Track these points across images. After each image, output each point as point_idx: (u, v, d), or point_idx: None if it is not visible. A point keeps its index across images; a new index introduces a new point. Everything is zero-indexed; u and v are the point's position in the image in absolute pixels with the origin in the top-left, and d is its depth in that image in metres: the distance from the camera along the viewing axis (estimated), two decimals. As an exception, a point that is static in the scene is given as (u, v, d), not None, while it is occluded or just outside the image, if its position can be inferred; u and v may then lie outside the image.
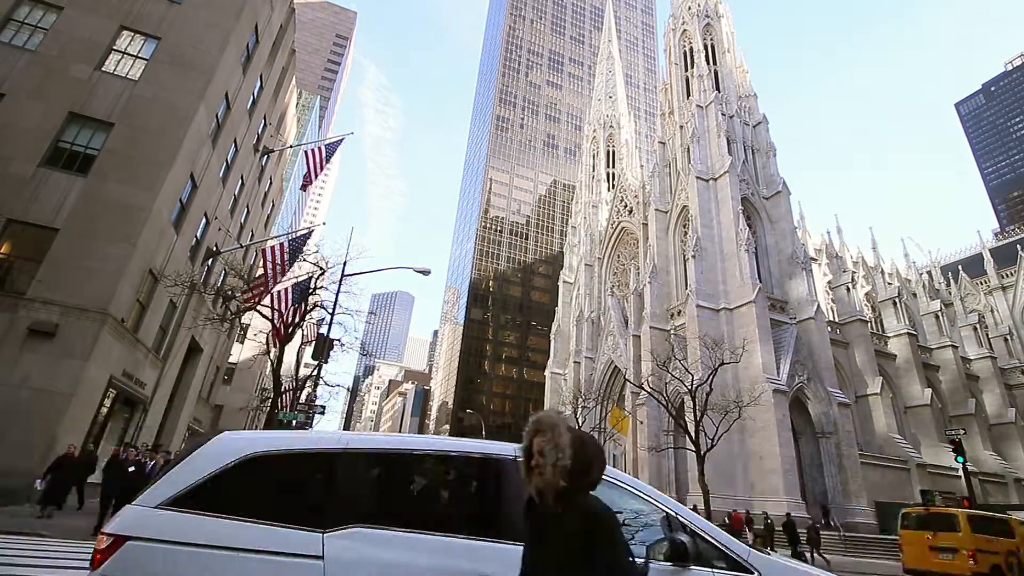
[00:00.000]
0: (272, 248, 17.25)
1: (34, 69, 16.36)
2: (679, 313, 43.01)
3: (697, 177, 43.30)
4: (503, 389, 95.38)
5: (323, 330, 22.30)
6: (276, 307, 17.03)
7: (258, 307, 18.29)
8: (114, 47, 17.65)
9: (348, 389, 36.97)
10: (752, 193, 44.25)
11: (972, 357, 52.05)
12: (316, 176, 19.56)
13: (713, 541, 3.25)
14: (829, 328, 41.15)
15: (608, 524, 1.96)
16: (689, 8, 55.13)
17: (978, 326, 55.53)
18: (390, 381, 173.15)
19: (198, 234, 21.47)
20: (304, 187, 20.14)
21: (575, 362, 57.83)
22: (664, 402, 30.78)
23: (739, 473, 33.91)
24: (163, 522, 2.81)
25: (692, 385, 27.51)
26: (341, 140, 21.66)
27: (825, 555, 21.67)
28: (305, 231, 19.11)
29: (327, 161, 19.79)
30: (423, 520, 3.02)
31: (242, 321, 31.62)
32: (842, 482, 34.48)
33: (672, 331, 42.79)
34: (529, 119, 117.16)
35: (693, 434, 26.46)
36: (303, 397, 30.02)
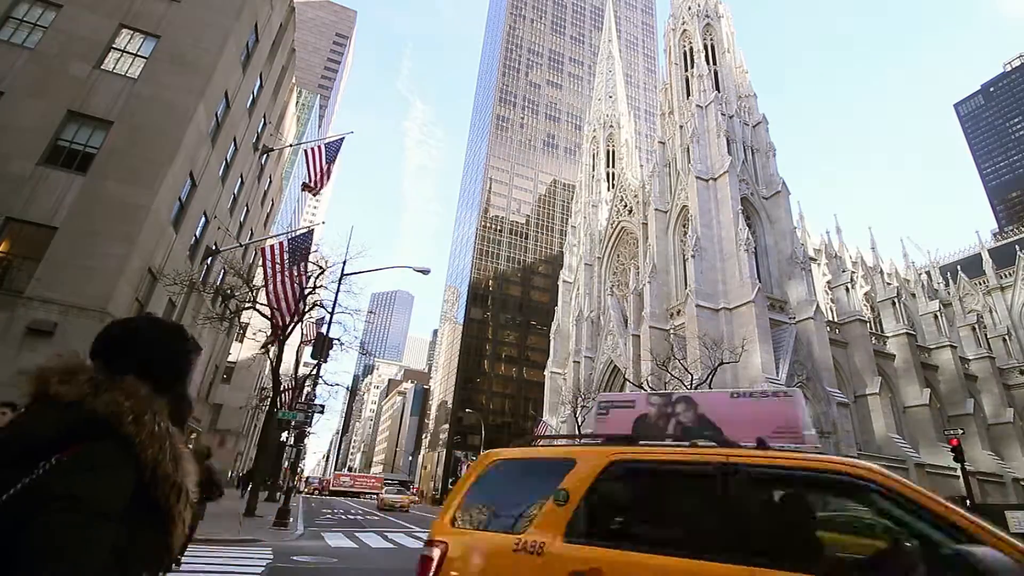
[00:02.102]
0: (271, 247, 17.22)
1: (33, 67, 16.31)
2: (679, 313, 43.02)
3: (697, 177, 43.31)
4: (503, 388, 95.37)
5: (322, 329, 22.31)
6: (275, 306, 17.00)
7: (258, 306, 18.30)
8: (113, 45, 17.60)
9: (347, 388, 37.05)
10: (752, 193, 44.27)
11: (970, 357, 52.07)
12: (323, 180, 19.45)
13: None
14: (828, 328, 41.16)
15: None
16: (689, 8, 55.11)
17: (976, 326, 55.55)
18: (390, 380, 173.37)
19: (197, 233, 21.42)
20: (309, 190, 20.01)
21: (575, 361, 57.81)
22: (663, 402, 30.78)
23: (738, 473, 33.91)
24: None
25: (691, 384, 27.56)
26: (342, 140, 21.62)
27: None
28: (304, 230, 19.07)
29: (330, 163, 19.72)
30: None
31: (241, 320, 31.60)
32: (841, 482, 34.50)
33: (672, 331, 42.79)
34: (529, 118, 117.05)
35: (692, 434, 26.47)
36: (302, 396, 30.10)
